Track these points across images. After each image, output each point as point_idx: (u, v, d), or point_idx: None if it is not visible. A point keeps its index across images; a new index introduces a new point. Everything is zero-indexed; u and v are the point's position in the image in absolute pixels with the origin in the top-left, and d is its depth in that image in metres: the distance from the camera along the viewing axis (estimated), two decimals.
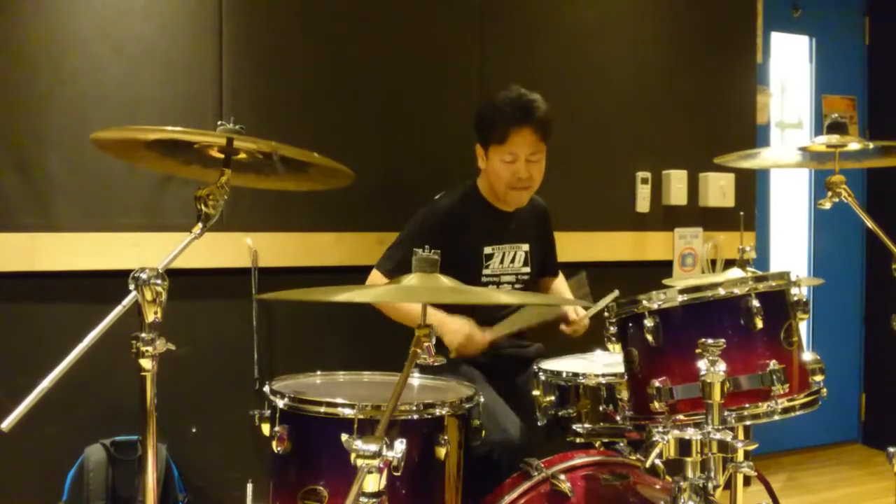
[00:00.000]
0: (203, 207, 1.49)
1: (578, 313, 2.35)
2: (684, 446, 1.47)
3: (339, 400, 1.63)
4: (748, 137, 3.44)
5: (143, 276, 1.36)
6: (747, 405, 1.61)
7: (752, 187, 3.47)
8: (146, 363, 1.40)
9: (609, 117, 3.16)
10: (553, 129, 2.33)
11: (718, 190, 3.31)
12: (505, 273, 2.41)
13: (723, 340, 1.49)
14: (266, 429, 1.69)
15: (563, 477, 1.80)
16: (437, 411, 1.66)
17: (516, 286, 2.42)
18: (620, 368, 1.84)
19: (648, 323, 1.67)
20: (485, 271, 2.38)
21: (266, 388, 1.75)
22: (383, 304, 2.27)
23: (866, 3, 4.14)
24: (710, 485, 1.48)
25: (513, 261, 2.42)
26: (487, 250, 2.38)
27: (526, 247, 2.45)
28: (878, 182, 3.97)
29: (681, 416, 1.62)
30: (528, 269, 2.45)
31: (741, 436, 1.76)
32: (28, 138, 2.35)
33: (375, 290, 1.68)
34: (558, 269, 2.66)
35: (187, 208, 1.53)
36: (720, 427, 1.47)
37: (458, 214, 2.35)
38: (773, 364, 1.60)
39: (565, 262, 2.84)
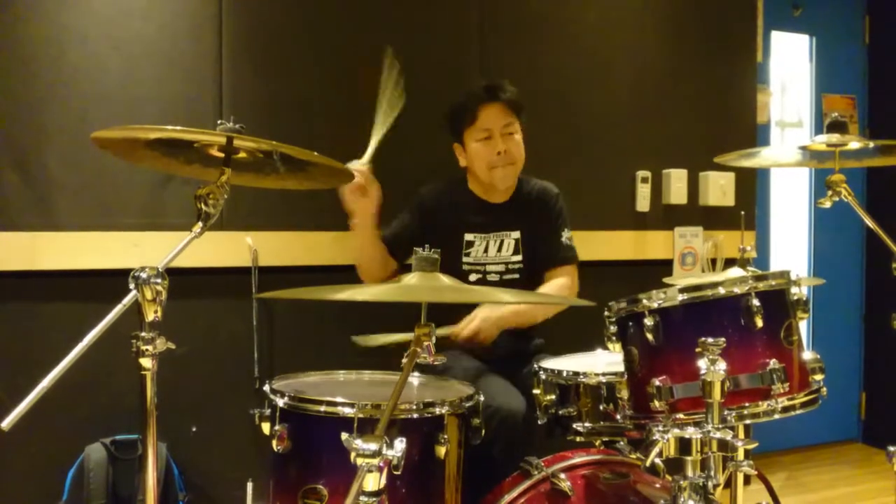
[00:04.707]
0: (203, 206, 1.49)
1: None
2: (684, 445, 1.46)
3: (339, 399, 1.63)
4: (748, 136, 3.44)
5: (144, 275, 1.36)
6: (747, 404, 1.60)
7: (752, 186, 3.47)
8: (146, 362, 1.40)
9: (609, 116, 3.16)
10: (524, 105, 2.42)
11: (718, 189, 3.31)
12: (491, 262, 2.41)
13: (723, 339, 1.48)
14: (266, 428, 1.68)
15: (563, 476, 1.79)
16: (437, 410, 1.66)
17: (506, 276, 2.42)
18: (621, 367, 1.83)
19: (648, 322, 1.66)
20: (465, 259, 2.39)
21: (266, 387, 1.75)
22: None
23: (866, 3, 4.14)
24: (710, 483, 1.48)
25: (499, 249, 2.42)
26: (468, 237, 2.40)
27: (516, 234, 2.43)
28: (878, 181, 3.97)
29: (681, 415, 1.61)
30: (518, 258, 2.43)
31: (741, 435, 1.75)
32: (28, 138, 2.35)
33: (374, 289, 1.67)
34: (565, 260, 2.46)
35: (187, 207, 1.53)
36: (720, 426, 1.46)
37: (441, 195, 2.45)
38: (773, 363, 1.60)
39: None
